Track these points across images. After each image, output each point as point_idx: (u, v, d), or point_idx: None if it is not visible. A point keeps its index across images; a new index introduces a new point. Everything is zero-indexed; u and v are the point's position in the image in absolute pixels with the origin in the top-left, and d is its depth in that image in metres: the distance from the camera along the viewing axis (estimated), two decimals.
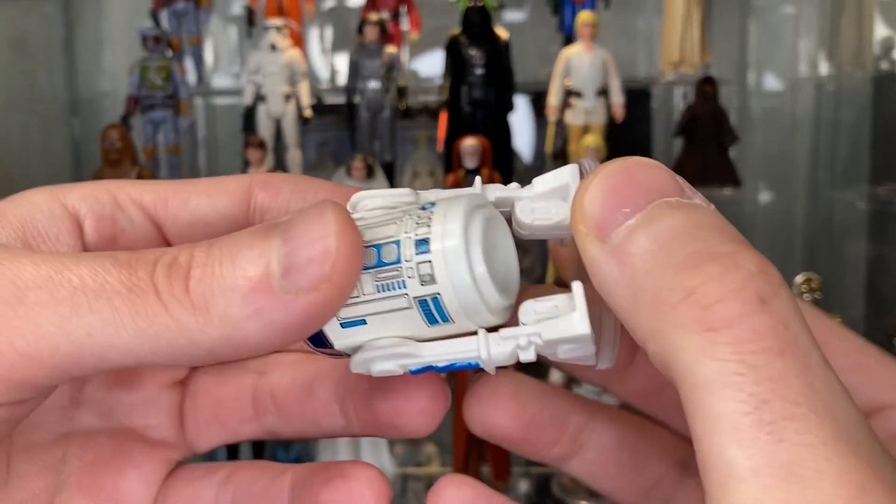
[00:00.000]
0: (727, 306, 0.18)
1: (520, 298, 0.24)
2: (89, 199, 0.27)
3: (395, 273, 0.23)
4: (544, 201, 0.24)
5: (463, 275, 0.23)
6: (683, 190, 0.21)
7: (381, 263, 0.23)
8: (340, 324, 0.24)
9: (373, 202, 0.25)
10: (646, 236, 0.20)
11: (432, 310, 0.23)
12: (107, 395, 0.30)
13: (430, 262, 0.23)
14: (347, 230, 0.22)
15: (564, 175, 0.24)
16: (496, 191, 0.25)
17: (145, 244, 0.28)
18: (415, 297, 0.23)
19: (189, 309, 0.22)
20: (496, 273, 0.24)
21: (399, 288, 0.23)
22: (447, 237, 0.23)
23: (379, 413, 0.28)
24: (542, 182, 0.24)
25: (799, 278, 1.44)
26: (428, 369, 0.24)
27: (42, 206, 0.27)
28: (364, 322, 0.24)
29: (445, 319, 0.23)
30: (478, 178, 0.26)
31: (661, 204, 0.20)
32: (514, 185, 0.25)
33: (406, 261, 0.23)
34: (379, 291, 0.23)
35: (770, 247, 2.13)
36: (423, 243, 0.23)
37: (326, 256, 0.22)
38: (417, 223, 0.23)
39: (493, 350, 0.23)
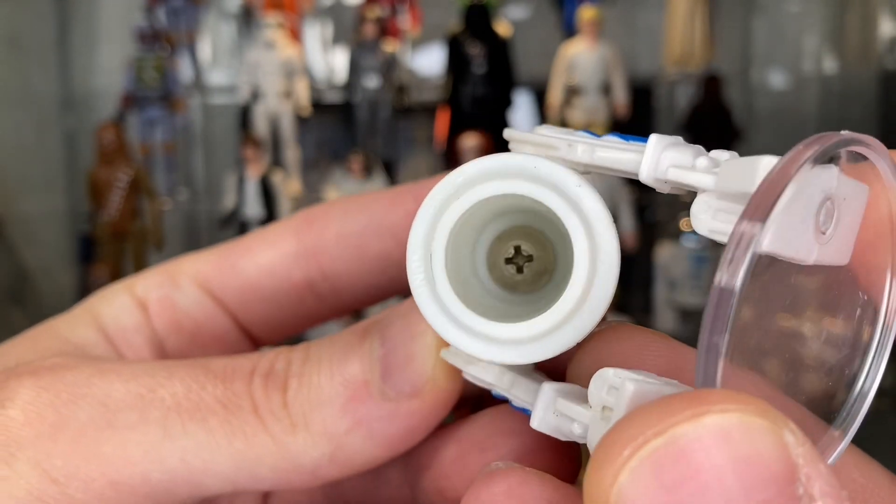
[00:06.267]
0: None
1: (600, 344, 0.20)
2: (152, 284, 0.27)
3: None
4: (730, 202, 0.17)
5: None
6: (798, 478, 0.12)
7: None
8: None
9: None
10: None
11: None
12: None
13: None
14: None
15: (754, 176, 0.16)
16: (669, 159, 0.18)
17: (207, 322, 0.27)
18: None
19: (288, 426, 0.20)
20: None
21: None
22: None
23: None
24: (729, 172, 0.17)
25: None
26: (501, 398, 0.21)
27: (115, 300, 0.26)
28: None
29: None
30: (654, 138, 0.19)
31: None
32: (689, 154, 0.18)
33: None
34: None
35: None
36: None
37: (427, 353, 0.20)
38: None
39: (545, 414, 0.19)
